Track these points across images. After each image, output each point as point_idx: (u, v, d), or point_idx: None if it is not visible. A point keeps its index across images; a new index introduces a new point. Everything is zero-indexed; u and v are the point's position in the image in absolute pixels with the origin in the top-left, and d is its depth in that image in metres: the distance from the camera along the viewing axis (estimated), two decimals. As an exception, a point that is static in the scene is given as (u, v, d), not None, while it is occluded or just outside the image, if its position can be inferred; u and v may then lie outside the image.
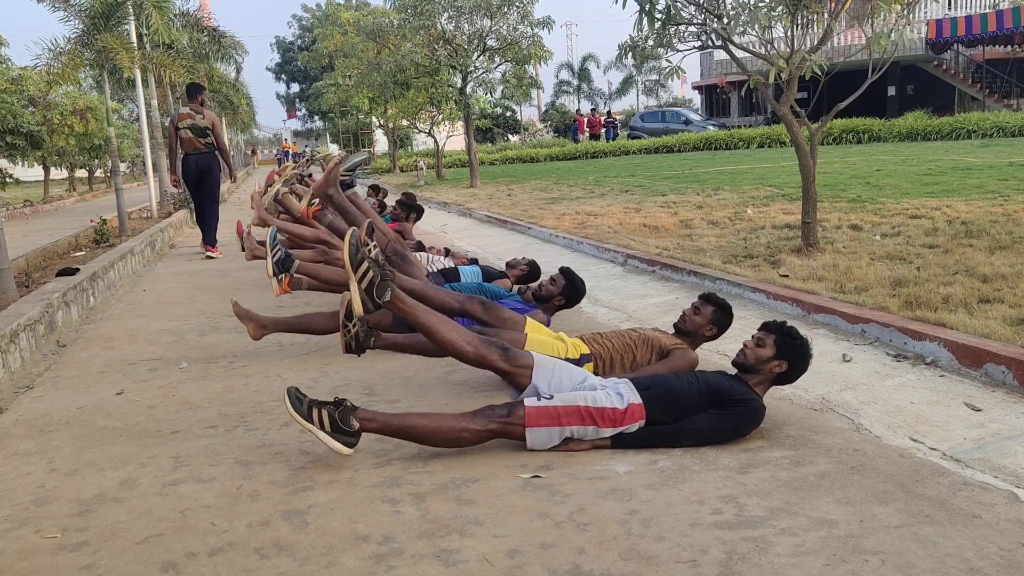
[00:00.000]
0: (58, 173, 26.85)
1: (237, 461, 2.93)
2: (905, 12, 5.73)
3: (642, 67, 41.21)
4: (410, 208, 7.32)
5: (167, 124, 10.74)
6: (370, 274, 2.99)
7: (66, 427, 3.42)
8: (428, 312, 3.14)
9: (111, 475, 2.85)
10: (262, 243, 5.83)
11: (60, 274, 6.28)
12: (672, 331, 3.64)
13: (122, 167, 21.26)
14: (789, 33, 5.82)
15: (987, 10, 23.86)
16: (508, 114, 42.28)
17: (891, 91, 26.29)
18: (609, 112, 36.05)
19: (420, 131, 24.26)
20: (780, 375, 3.03)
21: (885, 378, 3.54)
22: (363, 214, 4.97)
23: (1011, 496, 2.41)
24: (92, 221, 10.14)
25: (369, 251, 3.39)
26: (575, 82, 49.31)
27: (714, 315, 3.51)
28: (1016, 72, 25.80)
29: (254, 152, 61.93)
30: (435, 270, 5.24)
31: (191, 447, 3.10)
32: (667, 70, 6.36)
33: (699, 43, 6.23)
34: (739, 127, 26.81)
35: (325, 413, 2.73)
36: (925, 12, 25.28)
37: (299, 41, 54.50)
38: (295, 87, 59.23)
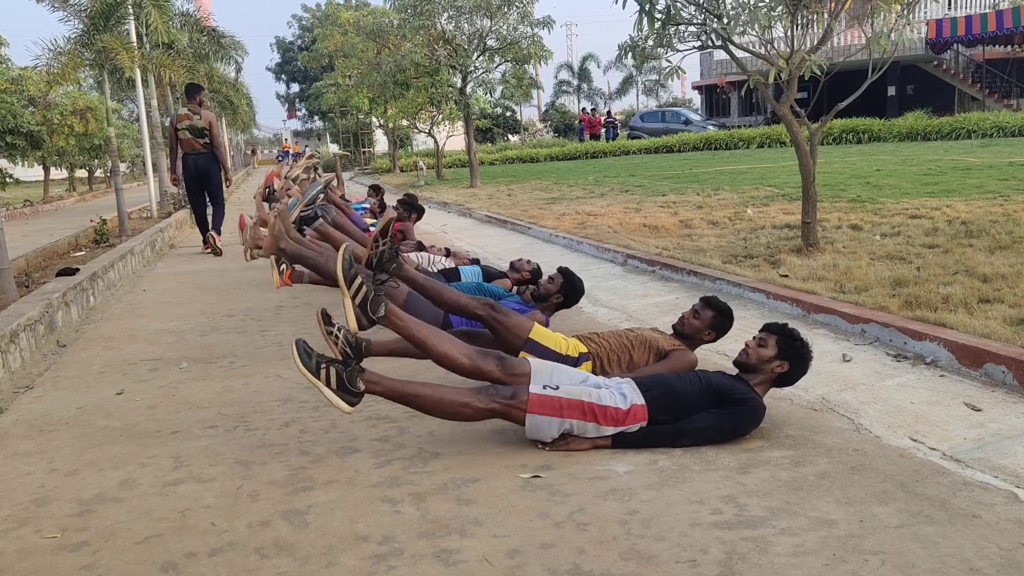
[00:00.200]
0: (58, 173, 26.85)
1: (237, 461, 2.93)
2: (905, 12, 5.72)
3: (642, 67, 41.22)
4: (412, 208, 7.35)
5: (167, 124, 10.78)
6: (364, 289, 2.98)
7: (66, 427, 3.42)
8: (422, 326, 3.13)
9: (111, 475, 2.85)
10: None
11: (60, 274, 6.28)
12: (671, 332, 3.63)
13: (122, 167, 21.28)
14: (789, 33, 5.82)
15: (987, 10, 23.86)
16: (508, 114, 42.27)
17: (891, 91, 26.29)
18: (609, 112, 36.06)
19: (420, 131, 24.26)
20: (781, 376, 3.04)
21: (885, 378, 3.54)
22: (325, 250, 4.83)
23: (1011, 496, 2.41)
24: (92, 221, 10.14)
25: (380, 245, 3.39)
26: (575, 82, 49.29)
27: (713, 320, 3.50)
28: (1016, 72, 25.80)
29: (254, 152, 61.94)
30: (435, 270, 5.24)
31: (191, 447, 3.10)
32: (667, 70, 6.36)
33: (699, 43, 6.23)
34: (739, 127, 26.81)
35: (333, 371, 2.77)
36: (925, 12, 25.27)
37: (299, 41, 54.49)
38: (295, 87, 59.23)
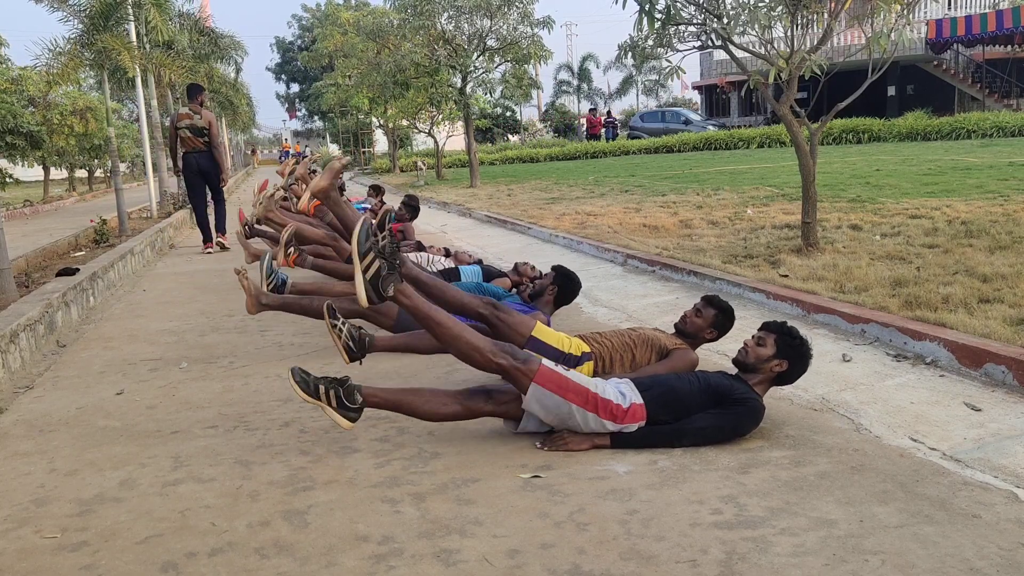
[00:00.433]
0: (58, 173, 26.85)
1: (237, 461, 2.93)
2: (905, 12, 5.72)
3: (642, 67, 41.18)
4: (415, 210, 7.44)
5: (168, 124, 10.87)
6: (376, 264, 2.97)
7: (66, 427, 3.42)
8: (433, 307, 3.12)
9: (111, 475, 2.85)
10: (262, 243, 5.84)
11: (60, 274, 6.28)
12: (672, 331, 3.64)
13: (122, 167, 21.27)
14: (789, 33, 5.82)
15: (987, 10, 23.86)
16: (508, 114, 42.27)
17: (891, 91, 26.30)
18: (609, 112, 36.05)
19: (420, 131, 24.26)
20: (780, 375, 3.04)
21: (885, 378, 3.54)
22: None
23: (1011, 496, 2.41)
24: (92, 221, 10.15)
25: (378, 241, 3.37)
26: (575, 82, 49.27)
27: (715, 318, 3.51)
28: (1016, 72, 25.80)
29: (254, 152, 61.95)
30: (435, 270, 5.25)
31: (191, 447, 3.10)
32: (667, 70, 6.36)
33: (699, 43, 6.23)
34: (739, 127, 26.81)
35: (332, 391, 2.85)
36: (925, 12, 25.28)
37: (299, 41, 54.49)
38: (295, 87, 59.24)
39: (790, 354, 3.01)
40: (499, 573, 2.10)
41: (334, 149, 44.84)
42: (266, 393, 3.78)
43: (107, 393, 3.91)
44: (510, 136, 41.61)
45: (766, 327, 3.11)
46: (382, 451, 2.97)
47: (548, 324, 4.07)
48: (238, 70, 21.05)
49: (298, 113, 60.94)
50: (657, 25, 5.65)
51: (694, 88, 38.98)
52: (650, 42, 6.13)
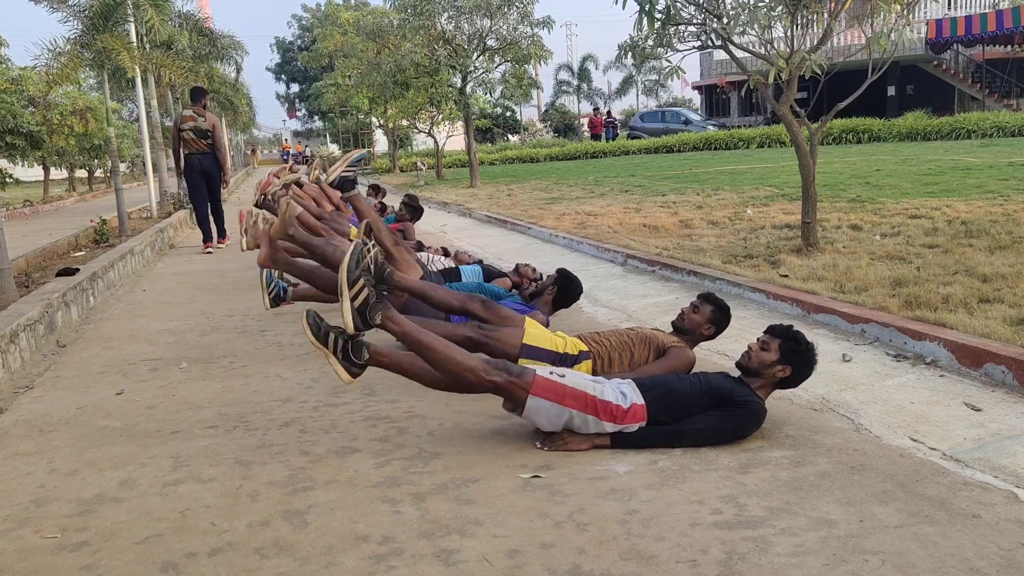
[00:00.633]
0: (58, 173, 26.83)
1: (237, 461, 2.93)
2: (905, 12, 5.72)
3: (642, 67, 41.16)
4: (415, 210, 7.44)
5: (171, 126, 10.97)
6: (364, 293, 2.95)
7: (66, 427, 3.42)
8: (422, 332, 3.07)
9: (111, 475, 2.85)
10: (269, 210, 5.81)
11: (60, 274, 6.28)
12: (671, 330, 3.64)
13: (122, 167, 21.26)
14: (789, 33, 5.82)
15: (987, 10, 23.85)
16: (508, 114, 42.26)
17: (891, 91, 26.29)
18: (609, 112, 36.05)
19: (420, 131, 24.26)
20: (783, 380, 3.01)
21: (885, 378, 3.54)
22: (334, 236, 4.92)
23: (1011, 496, 2.41)
24: (92, 221, 10.15)
25: (369, 250, 3.35)
26: (575, 82, 49.26)
27: (713, 314, 3.51)
28: (1016, 72, 25.80)
29: (254, 152, 61.94)
30: (435, 270, 5.25)
31: (191, 447, 3.10)
32: (667, 70, 6.36)
33: (699, 43, 6.23)
34: (739, 127, 26.82)
35: (340, 341, 2.87)
36: (925, 12, 25.28)
37: (299, 41, 54.48)
38: (295, 87, 59.22)
39: (794, 360, 2.97)
40: (499, 573, 2.10)
41: (334, 149, 44.86)
42: (266, 393, 3.78)
43: (107, 393, 3.91)
44: (510, 136, 41.60)
45: (771, 331, 3.06)
46: (382, 451, 2.97)
47: (547, 324, 4.07)
48: (238, 70, 21.02)
49: (298, 113, 60.94)
50: (657, 25, 5.65)
51: (694, 88, 38.98)
52: (650, 42, 6.13)
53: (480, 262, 5.99)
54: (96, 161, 25.50)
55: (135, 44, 11.15)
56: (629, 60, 7.40)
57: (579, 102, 49.18)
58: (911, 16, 6.00)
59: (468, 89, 17.60)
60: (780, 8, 5.68)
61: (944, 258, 5.37)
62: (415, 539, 2.29)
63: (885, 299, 4.35)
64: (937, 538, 2.18)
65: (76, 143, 20.02)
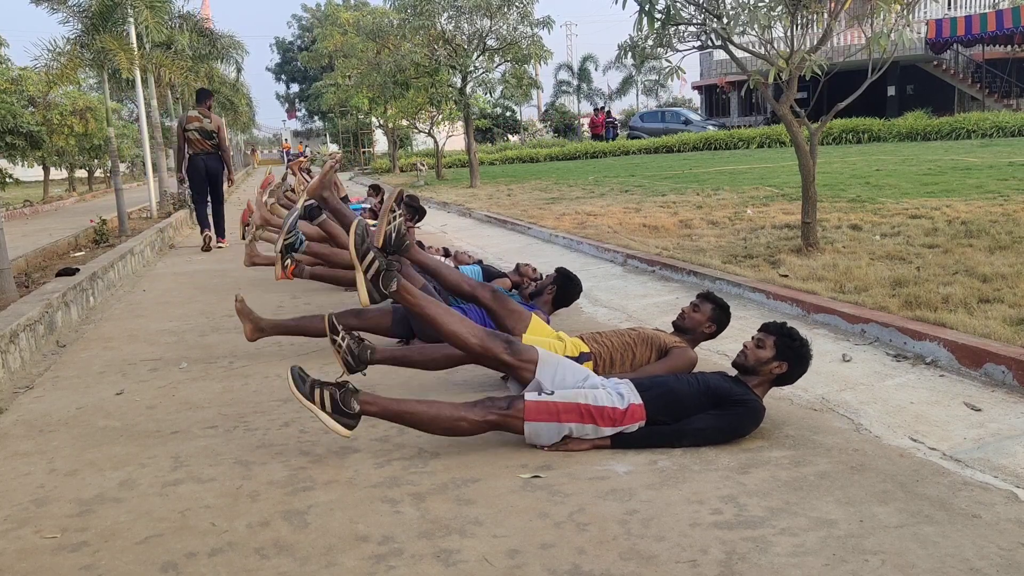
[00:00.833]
0: (58, 173, 26.83)
1: (237, 461, 2.93)
2: (905, 12, 5.72)
3: (642, 67, 41.15)
4: (415, 210, 7.38)
5: (175, 126, 11.06)
6: (376, 264, 2.97)
7: (66, 427, 3.42)
8: (433, 303, 3.13)
9: (111, 475, 2.85)
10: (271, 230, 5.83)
11: (60, 274, 6.28)
12: (671, 330, 3.64)
13: (122, 167, 21.26)
14: (789, 33, 5.82)
15: (987, 10, 23.85)
16: (508, 114, 42.25)
17: (891, 91, 26.29)
18: (609, 112, 36.05)
19: (420, 131, 24.25)
20: (780, 376, 3.03)
21: (885, 378, 3.54)
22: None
23: (1011, 496, 2.41)
24: (92, 221, 10.15)
25: (395, 218, 3.34)
26: (575, 82, 49.25)
27: (713, 312, 3.52)
28: (1016, 72, 25.80)
29: (254, 152, 61.93)
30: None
31: (191, 447, 3.10)
32: (667, 70, 6.36)
33: (699, 43, 6.23)
34: (739, 127, 26.82)
35: (327, 394, 2.76)
36: (925, 12, 25.28)
37: (299, 41, 54.46)
38: (295, 87, 59.20)
39: (790, 356, 3.00)
40: (499, 573, 2.10)
41: (334, 149, 44.83)
42: (266, 393, 3.78)
43: (107, 393, 3.91)
44: (510, 136, 41.58)
45: (765, 329, 3.10)
46: (382, 451, 2.97)
47: (548, 323, 4.07)
48: (239, 70, 21.01)
49: (298, 113, 60.92)
50: (657, 25, 5.66)
51: (694, 88, 38.96)
52: (650, 42, 6.13)
53: (480, 262, 6.00)
54: (96, 161, 25.50)
55: (134, 45, 11.16)
56: (629, 60, 7.40)
57: (579, 102, 49.20)
58: (911, 16, 6.00)
59: (468, 89, 17.59)
60: (780, 8, 5.68)
61: (944, 258, 5.37)
62: (415, 539, 2.29)
63: (885, 299, 4.35)
64: (937, 538, 2.18)
65: (76, 143, 20.03)
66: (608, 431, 2.87)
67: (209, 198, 9.93)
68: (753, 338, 3.09)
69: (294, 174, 9.26)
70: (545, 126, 44.22)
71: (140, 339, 5.10)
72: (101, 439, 3.25)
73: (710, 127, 28.10)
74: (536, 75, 23.45)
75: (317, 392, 2.76)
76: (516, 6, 15.92)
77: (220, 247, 9.79)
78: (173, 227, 11.38)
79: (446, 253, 6.28)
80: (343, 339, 3.27)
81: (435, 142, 22.69)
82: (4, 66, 15.33)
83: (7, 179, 15.08)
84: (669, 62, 6.41)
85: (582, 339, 3.55)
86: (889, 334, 3.94)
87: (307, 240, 5.43)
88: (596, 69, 48.45)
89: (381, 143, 37.54)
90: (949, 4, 25.97)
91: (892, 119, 21.42)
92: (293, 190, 8.24)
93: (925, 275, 4.88)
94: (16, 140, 14.69)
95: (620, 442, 2.87)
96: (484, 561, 2.15)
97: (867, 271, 5.10)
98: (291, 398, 3.63)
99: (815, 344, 3.31)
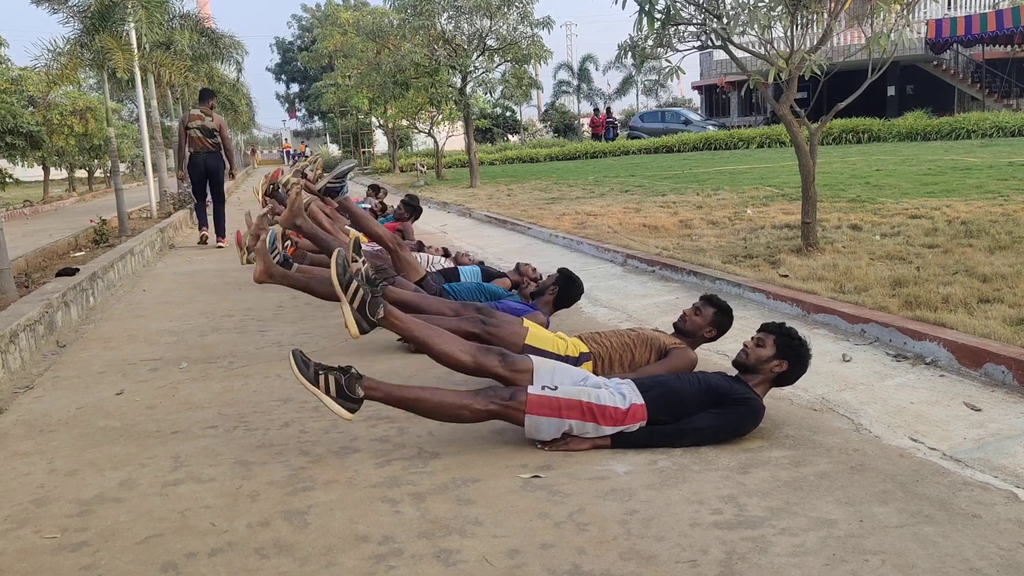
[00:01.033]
0: (58, 173, 26.83)
1: (237, 461, 2.93)
2: (904, 12, 5.73)
3: (641, 67, 41.15)
4: (414, 209, 7.44)
5: (176, 125, 11.15)
6: (360, 293, 2.97)
7: (66, 427, 3.42)
8: (423, 325, 3.13)
9: (111, 475, 2.85)
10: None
11: (60, 274, 6.28)
12: (672, 331, 3.64)
13: (122, 167, 21.25)
14: (789, 33, 5.82)
15: (987, 10, 23.85)
16: (508, 114, 42.24)
17: (891, 91, 26.29)
18: (608, 111, 36.04)
19: (420, 131, 24.25)
20: (780, 375, 3.04)
21: (885, 378, 3.54)
22: (339, 234, 5.00)
23: (1011, 496, 2.41)
24: (92, 221, 10.15)
25: (357, 269, 3.34)
26: (575, 82, 49.24)
27: (715, 317, 3.52)
28: (1016, 72, 25.80)
29: (254, 152, 61.92)
30: (435, 270, 5.25)
31: (191, 447, 3.10)
32: (667, 70, 6.36)
33: (699, 43, 6.23)
34: (739, 127, 26.81)
35: (332, 378, 2.79)
36: (925, 12, 25.28)
37: (299, 41, 54.45)
38: (295, 87, 59.19)
39: (789, 355, 3.02)
40: (499, 573, 2.10)
41: (334, 149, 44.84)
42: (266, 393, 3.78)
43: (107, 393, 3.91)
44: (510, 136, 41.58)
45: (765, 328, 3.12)
46: (382, 451, 2.97)
47: (547, 324, 4.07)
48: (239, 70, 21.00)
49: (298, 113, 60.91)
50: (657, 25, 5.65)
51: (694, 88, 38.96)
52: (650, 42, 6.13)
53: (481, 263, 6.00)
54: (96, 161, 25.49)
55: (134, 45, 11.17)
56: (629, 60, 7.40)
57: (579, 102, 49.18)
58: (911, 16, 6.00)
59: (468, 89, 17.59)
60: (780, 8, 5.68)
61: (944, 258, 5.37)
62: (415, 539, 2.29)
63: (885, 299, 4.35)
64: (937, 538, 2.18)
65: (76, 143, 20.02)
66: (609, 430, 2.87)
67: (210, 197, 9.99)
68: (753, 337, 3.10)
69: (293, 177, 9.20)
70: (545, 126, 44.22)
71: (140, 339, 5.10)
72: (101, 439, 3.25)
73: (710, 127, 28.10)
74: (536, 75, 23.45)
75: (322, 377, 2.78)
76: (516, 6, 15.92)
77: (220, 247, 9.81)
78: (173, 227, 11.38)
79: (446, 253, 6.28)
80: (363, 263, 3.26)
81: (435, 142, 22.69)
82: (4, 66, 15.32)
83: (7, 179, 15.07)
84: (669, 62, 6.42)
85: (581, 339, 3.55)
86: (889, 334, 3.94)
87: (298, 265, 5.39)
88: (596, 69, 48.46)
89: (381, 143, 37.54)
90: (949, 4, 25.97)
91: (892, 119, 21.41)
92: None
93: (925, 275, 4.88)
94: (16, 140, 14.69)
95: (620, 442, 2.87)
96: (484, 561, 2.15)
97: (867, 271, 5.10)
98: (291, 398, 3.65)
99: (815, 344, 3.32)
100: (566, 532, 2.29)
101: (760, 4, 5.67)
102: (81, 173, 28.72)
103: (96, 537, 2.39)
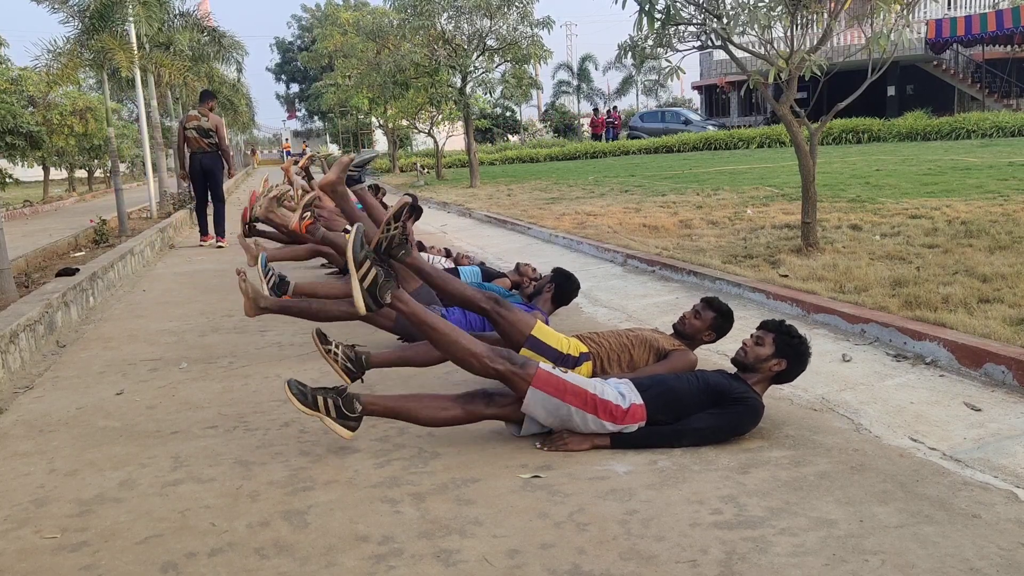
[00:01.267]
0: (58, 173, 26.82)
1: (237, 461, 2.93)
2: (904, 12, 5.73)
3: (641, 67, 41.16)
4: (412, 209, 7.38)
5: (171, 125, 11.19)
6: (372, 272, 2.98)
7: (66, 427, 3.42)
8: (429, 314, 3.14)
9: (111, 475, 2.85)
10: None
11: (60, 274, 6.28)
12: (671, 332, 3.64)
13: (122, 167, 21.25)
14: (789, 33, 5.82)
15: (987, 10, 23.85)
16: (508, 114, 42.25)
17: (891, 91, 26.29)
18: (608, 111, 36.03)
19: (420, 131, 24.25)
20: (779, 373, 3.04)
21: (885, 378, 3.54)
22: (367, 212, 4.95)
23: (1011, 496, 2.41)
24: (92, 221, 10.15)
25: (390, 229, 3.32)
26: (575, 82, 49.25)
27: (714, 321, 3.51)
28: (1016, 72, 25.80)
29: (254, 152, 61.91)
30: (435, 270, 5.24)
31: (191, 447, 3.10)
32: (667, 70, 6.36)
33: (699, 43, 6.23)
34: (739, 127, 26.81)
35: (330, 401, 2.85)
36: (925, 12, 25.28)
37: (299, 41, 54.47)
38: (295, 87, 59.22)
39: (788, 353, 3.02)
40: (499, 573, 2.10)
41: (334, 149, 44.84)
42: (266, 393, 3.78)
43: (107, 393, 3.91)
44: (510, 136, 41.58)
45: (764, 326, 3.11)
46: (382, 451, 2.97)
47: (547, 324, 4.07)
48: (239, 70, 20.99)
49: (298, 113, 60.92)
50: (657, 25, 5.66)
51: (694, 88, 38.96)
52: (650, 42, 6.13)
53: (482, 264, 6.00)
54: (96, 161, 25.48)
55: (134, 44, 11.17)
56: (629, 60, 7.40)
57: (579, 102, 49.19)
58: (911, 16, 6.01)
59: (468, 89, 17.59)
60: (780, 8, 5.68)
61: (944, 258, 5.37)
62: (415, 539, 2.29)
63: (885, 299, 4.35)
64: (937, 538, 2.18)
65: (76, 143, 20.02)
66: (608, 426, 2.87)
67: (209, 197, 10.00)
68: (752, 335, 3.10)
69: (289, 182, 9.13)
70: (545, 126, 44.21)
71: (140, 339, 5.10)
72: (101, 439, 3.25)
73: (710, 127, 28.09)
74: (536, 75, 23.46)
75: (320, 400, 2.84)
76: (516, 6, 15.91)
77: (220, 247, 9.83)
78: (173, 227, 11.38)
79: (447, 254, 6.28)
80: (337, 347, 3.32)
81: (435, 142, 22.69)
82: (4, 66, 15.33)
83: (7, 179, 15.07)
84: (669, 62, 6.41)
85: (580, 339, 3.54)
86: (889, 334, 3.94)
87: (294, 283, 5.37)
88: (596, 69, 48.47)
89: (381, 143, 37.53)
90: (949, 4, 25.97)
91: (892, 119, 21.41)
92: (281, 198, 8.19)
93: (925, 275, 4.88)
94: (16, 140, 14.68)
95: (620, 442, 2.87)
96: (484, 561, 2.15)
97: (867, 271, 5.10)
98: (291, 398, 3.64)
99: (815, 344, 3.32)
100: (566, 532, 2.29)
101: (760, 4, 5.67)
102: (81, 173, 28.71)
103: (96, 537, 2.39)
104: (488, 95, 20.62)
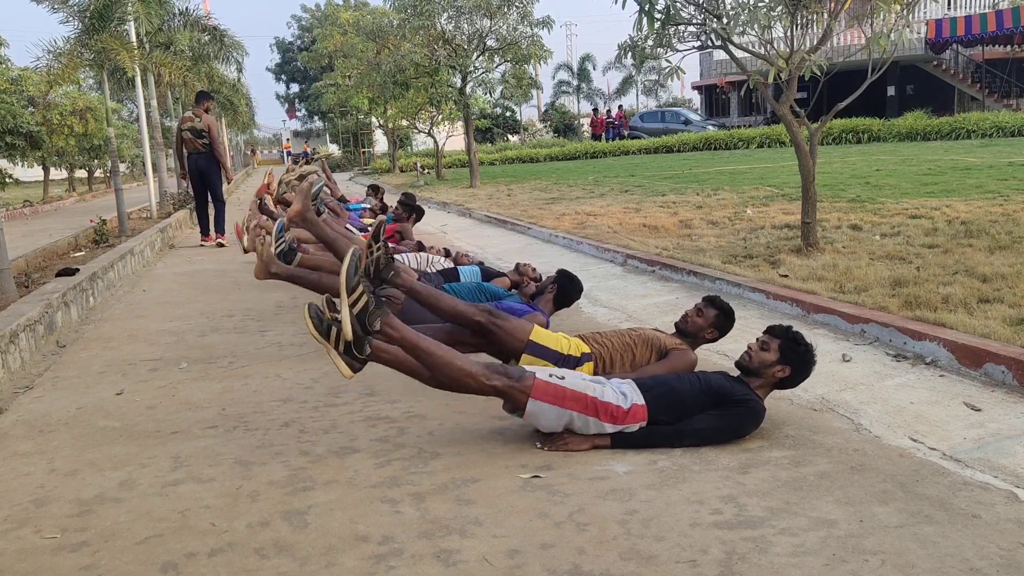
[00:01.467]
0: (58, 173, 26.83)
1: (237, 461, 2.93)
2: (904, 12, 5.73)
3: (641, 67, 41.16)
4: (411, 209, 7.35)
5: (171, 126, 11.25)
6: (364, 299, 2.95)
7: (66, 427, 3.42)
8: (422, 338, 3.06)
9: (111, 475, 2.85)
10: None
11: (60, 274, 6.28)
12: (672, 331, 3.64)
13: (122, 167, 21.26)
14: (789, 33, 5.82)
15: (987, 10, 23.85)
16: (508, 114, 42.24)
17: (891, 91, 26.28)
18: (609, 111, 36.02)
19: (420, 131, 24.25)
20: (782, 380, 3.02)
21: (885, 378, 3.54)
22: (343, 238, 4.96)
23: (1011, 496, 2.41)
24: (92, 221, 10.15)
25: (373, 252, 3.40)
26: (574, 82, 49.25)
27: (716, 319, 3.51)
28: (1016, 72, 25.79)
29: (253, 152, 61.91)
30: (435, 270, 5.25)
31: (191, 447, 3.10)
32: (666, 70, 6.36)
33: (699, 43, 6.23)
34: (739, 127, 26.80)
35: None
36: (924, 12, 25.28)
37: (299, 41, 54.45)
38: (295, 87, 59.18)
39: (794, 360, 2.99)
40: (499, 573, 2.10)
41: (334, 149, 44.83)
42: (266, 393, 3.78)
43: (107, 393, 3.91)
44: (510, 136, 41.57)
45: (771, 331, 3.07)
46: (382, 451, 2.97)
47: (547, 324, 4.07)
48: (239, 70, 20.99)
49: (298, 113, 60.88)
50: (657, 25, 5.66)
51: (694, 88, 38.96)
52: (650, 42, 6.13)
53: (481, 264, 6.00)
54: (96, 161, 25.49)
55: (133, 43, 11.17)
56: (629, 60, 7.40)
57: (579, 102, 49.19)
58: (911, 16, 6.01)
59: (468, 89, 17.59)
60: (780, 8, 5.68)
61: (944, 258, 5.37)
62: (415, 539, 2.29)
63: (885, 299, 4.35)
64: (937, 538, 2.18)
65: (76, 143, 20.03)
66: (609, 428, 2.86)
67: (209, 198, 10.01)
68: (758, 340, 3.07)
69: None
70: (545, 126, 44.20)
71: (140, 339, 5.10)
72: (101, 439, 3.25)
73: (710, 127, 28.09)
74: (536, 75, 23.47)
75: (333, 330, 2.79)
76: (516, 6, 15.92)
77: (221, 245, 9.85)
78: (173, 227, 11.38)
79: (447, 254, 6.28)
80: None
81: (435, 142, 22.68)
82: (4, 66, 15.32)
83: (7, 179, 15.07)
84: (669, 62, 6.41)
85: (582, 339, 3.54)
86: (889, 334, 3.94)
87: (302, 255, 5.38)
88: (596, 69, 48.47)
89: (381, 143, 37.52)
90: (949, 4, 25.96)
91: (892, 119, 21.41)
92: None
93: (925, 275, 4.88)
94: (16, 140, 14.68)
95: (620, 442, 2.87)
96: (484, 561, 2.15)
97: (867, 271, 5.10)
98: (291, 398, 3.65)
99: (815, 344, 3.31)
100: (566, 532, 2.29)
101: (760, 4, 5.67)
102: (81, 173, 28.71)
103: (96, 537, 2.39)
104: (488, 95, 20.65)
